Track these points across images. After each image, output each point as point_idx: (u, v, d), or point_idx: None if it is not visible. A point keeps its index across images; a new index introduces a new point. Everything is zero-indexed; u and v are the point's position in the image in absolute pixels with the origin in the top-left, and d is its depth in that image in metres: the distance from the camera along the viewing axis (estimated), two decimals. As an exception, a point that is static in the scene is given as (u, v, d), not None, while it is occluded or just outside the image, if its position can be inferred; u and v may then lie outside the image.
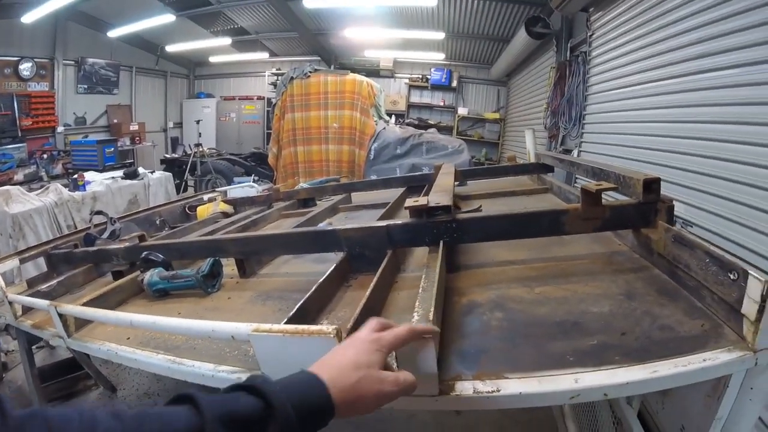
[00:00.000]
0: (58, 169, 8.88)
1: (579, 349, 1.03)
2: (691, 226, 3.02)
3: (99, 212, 3.48)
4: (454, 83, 12.65)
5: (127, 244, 2.58)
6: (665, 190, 1.48)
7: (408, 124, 10.92)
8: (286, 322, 1.14)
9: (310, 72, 7.72)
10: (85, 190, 5.86)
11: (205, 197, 4.30)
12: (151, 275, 2.01)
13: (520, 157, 4.16)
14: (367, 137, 7.43)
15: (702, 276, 1.15)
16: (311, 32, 11.38)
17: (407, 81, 13.10)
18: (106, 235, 3.05)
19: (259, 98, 13.94)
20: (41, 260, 2.79)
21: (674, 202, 1.47)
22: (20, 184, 6.61)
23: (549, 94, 6.94)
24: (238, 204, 3.88)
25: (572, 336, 1.09)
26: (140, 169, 7.05)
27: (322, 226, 2.42)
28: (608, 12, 5.12)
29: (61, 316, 1.72)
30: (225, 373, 1.20)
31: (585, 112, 5.77)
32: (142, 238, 2.66)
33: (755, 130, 2.69)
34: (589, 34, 5.68)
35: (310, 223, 2.58)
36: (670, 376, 0.92)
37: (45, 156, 9.30)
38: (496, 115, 12.25)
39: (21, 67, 9.59)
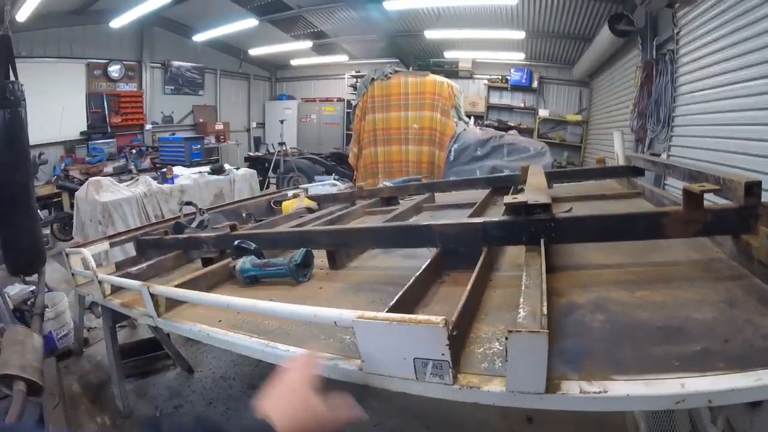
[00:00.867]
0: (146, 163, 9.41)
1: (683, 354, 1.01)
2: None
3: (189, 203, 3.65)
4: (535, 84, 12.36)
5: (218, 232, 2.73)
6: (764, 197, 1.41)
7: (487, 126, 10.79)
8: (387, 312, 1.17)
9: (391, 73, 7.81)
10: (173, 183, 6.19)
11: (290, 193, 4.45)
12: (244, 262, 2.11)
13: (608, 160, 4.05)
14: (447, 138, 7.43)
15: None
16: (390, 34, 11.47)
17: (486, 82, 12.92)
18: (194, 224, 3.21)
19: (339, 100, 14.24)
20: (128, 247, 2.97)
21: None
22: (110, 176, 7.06)
23: (635, 94, 6.66)
24: (321, 200, 3.99)
25: (675, 341, 1.07)
26: (226, 165, 7.35)
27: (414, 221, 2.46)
28: (695, 7, 4.86)
29: (152, 296, 1.85)
30: (321, 359, 1.22)
31: (674, 114, 5.51)
32: (233, 227, 2.78)
33: None
34: (675, 31, 5.42)
35: (396, 220, 2.60)
36: None
37: (134, 151, 9.96)
38: (578, 117, 11.86)
39: (110, 69, 10.36)
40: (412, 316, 1.04)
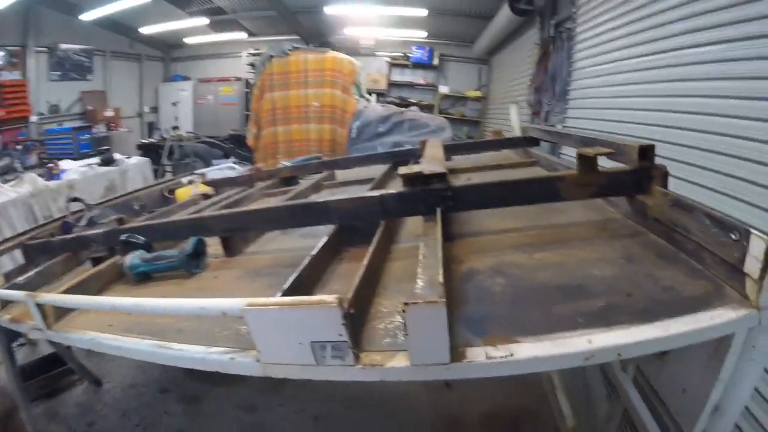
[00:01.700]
0: (34, 159, 8.64)
1: (587, 311, 1.02)
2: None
3: (75, 199, 3.37)
4: (436, 61, 12.54)
5: (105, 228, 2.51)
6: (655, 162, 1.48)
7: (389, 103, 10.81)
8: (281, 296, 1.10)
9: (290, 50, 7.58)
10: (60, 179, 5.79)
11: (185, 180, 4.21)
12: (132, 258, 1.94)
13: (505, 133, 4.14)
14: (348, 116, 7.34)
15: (702, 238, 1.15)
16: (290, 10, 11.11)
17: (388, 59, 12.94)
18: (83, 222, 2.96)
19: (236, 79, 13.66)
20: (19, 253, 2.70)
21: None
22: (-6, 177, 6.43)
23: (532, 71, 6.88)
24: (218, 185, 3.81)
25: (577, 299, 1.08)
26: (116, 155, 6.93)
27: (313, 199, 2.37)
28: (595, -12, 5.07)
29: (39, 306, 1.64)
30: (217, 355, 1.14)
31: (569, 89, 5.73)
32: (120, 221, 2.57)
33: (740, 104, 2.70)
34: (574, 10, 5.63)
35: (295, 200, 2.51)
36: (681, 333, 0.93)
37: (19, 147, 9.03)
38: (478, 93, 12.20)
39: None
40: (304, 298, 0.97)
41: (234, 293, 1.50)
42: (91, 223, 2.96)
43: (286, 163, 3.90)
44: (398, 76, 13.07)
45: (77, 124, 10.44)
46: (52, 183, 5.60)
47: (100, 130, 10.73)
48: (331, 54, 7.67)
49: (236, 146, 9.90)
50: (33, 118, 9.99)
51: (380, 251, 1.42)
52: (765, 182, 2.46)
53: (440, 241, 1.20)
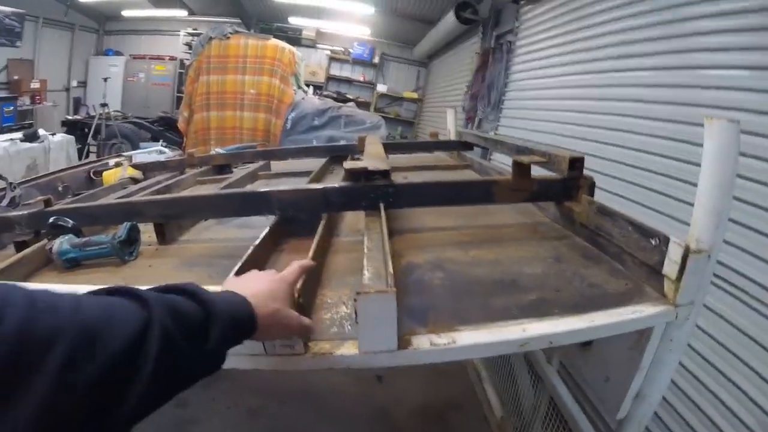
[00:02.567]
0: (-48, 132, 7.99)
1: (520, 304, 1.11)
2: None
3: (-4, 176, 3.17)
4: (376, 60, 12.60)
5: (30, 209, 2.37)
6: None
7: (326, 96, 10.76)
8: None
9: (231, 33, 7.37)
10: (-22, 154, 5.35)
11: (111, 162, 4.01)
12: (61, 243, 1.82)
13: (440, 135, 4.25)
14: (284, 106, 7.24)
15: (624, 242, 1.27)
16: (234, -10, 10.86)
17: (329, 53, 12.86)
18: (5, 202, 2.78)
19: (171, 59, 13.12)
20: None
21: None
22: None
23: (470, 78, 7.05)
24: (147, 169, 3.64)
25: (512, 292, 1.17)
26: (40, 131, 6.50)
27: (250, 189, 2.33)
28: (538, 6, 5.30)
29: None
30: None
31: (504, 98, 5.95)
32: (47, 202, 2.41)
33: (662, 126, 2.94)
34: (516, 24, 5.83)
35: (231, 188, 2.46)
36: (607, 324, 1.05)
37: (-65, 116, 8.31)
38: (414, 95, 12.36)
39: None
40: None
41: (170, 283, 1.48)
42: (13, 203, 2.77)
43: (220, 150, 3.83)
44: (337, 70, 13.02)
45: (1, 94, 9.73)
46: (-30, 158, 5.20)
47: (24, 102, 10.05)
48: (273, 42, 7.53)
49: (166, 129, 9.55)
50: (-47, 85, 9.16)
51: (323, 244, 1.44)
52: (679, 196, 2.68)
53: (386, 235, 1.24)
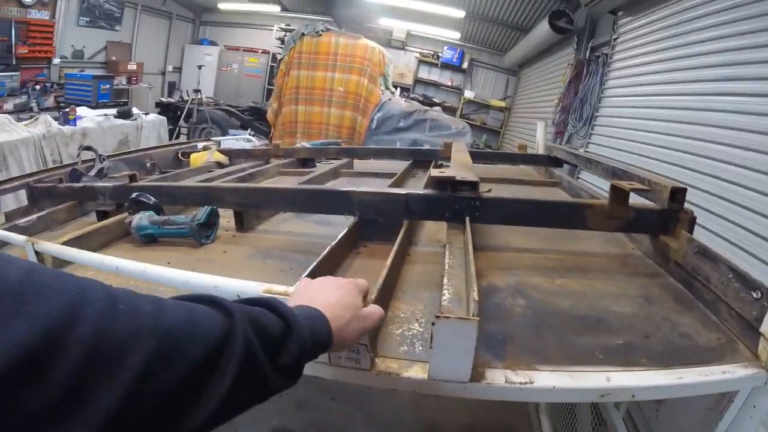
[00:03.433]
0: (50, 101, 8.60)
1: (606, 347, 1.01)
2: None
3: (88, 148, 3.29)
4: (465, 65, 12.48)
5: (116, 182, 2.46)
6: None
7: (413, 99, 10.76)
8: (298, 286, 1.06)
9: (323, 30, 7.53)
10: (75, 125, 5.73)
11: (200, 145, 4.15)
12: (141, 218, 1.87)
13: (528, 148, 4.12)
14: (371, 105, 7.30)
15: (722, 290, 1.14)
16: (328, -10, 11.08)
17: (418, 56, 12.88)
18: (93, 172, 2.90)
19: (264, 52, 13.60)
20: (23, 194, 2.65)
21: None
22: (9, 113, 6.39)
23: (562, 90, 6.85)
24: (233, 156, 3.75)
25: (597, 332, 1.07)
26: (134, 110, 6.86)
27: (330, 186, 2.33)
28: (637, 18, 5.06)
29: (38, 254, 1.60)
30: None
31: (597, 114, 5.72)
32: (132, 177, 2.52)
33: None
34: (614, 36, 5.61)
35: (312, 183, 2.47)
36: (693, 384, 0.93)
37: (38, 87, 8.98)
38: (502, 104, 12.14)
39: None
40: None
41: (244, 272, 1.45)
42: (101, 174, 2.90)
43: (305, 144, 3.87)
44: (425, 73, 13.02)
45: (99, 73, 10.37)
46: (67, 128, 5.55)
47: (120, 82, 10.68)
48: (363, 41, 7.62)
49: (255, 119, 9.88)
50: (56, 61, 9.89)
51: (401, 252, 1.38)
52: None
53: (471, 254, 1.16)
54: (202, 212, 1.82)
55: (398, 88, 10.68)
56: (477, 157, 3.34)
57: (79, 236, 1.75)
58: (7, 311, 0.40)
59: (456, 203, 1.48)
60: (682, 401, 1.17)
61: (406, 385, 0.90)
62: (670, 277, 1.40)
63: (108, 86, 9.04)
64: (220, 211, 1.93)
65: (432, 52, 12.74)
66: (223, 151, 3.78)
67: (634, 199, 1.52)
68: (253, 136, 7.49)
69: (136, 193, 2.04)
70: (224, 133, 8.26)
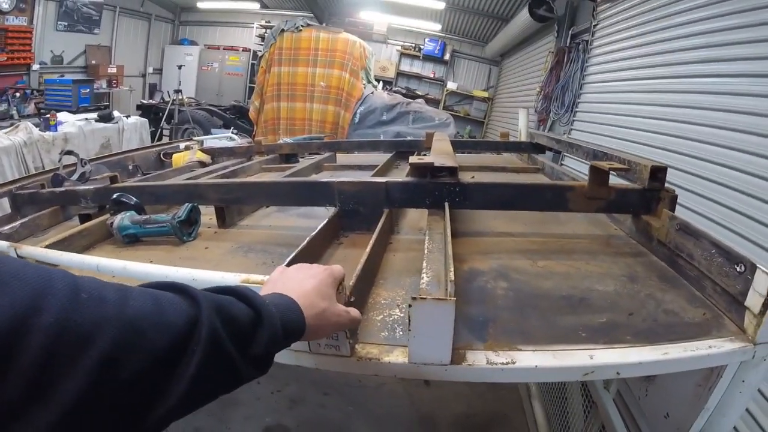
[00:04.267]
0: (31, 108, 8.47)
1: (589, 326, 1.01)
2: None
3: (69, 152, 3.28)
4: (447, 56, 12.45)
5: (97, 185, 2.44)
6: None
7: (396, 92, 10.74)
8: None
9: (303, 26, 7.49)
10: (56, 130, 5.71)
11: (182, 145, 4.13)
12: (122, 219, 1.86)
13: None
14: (353, 100, 7.28)
15: (705, 266, 1.14)
16: (306, -15, 11.00)
17: (399, 48, 12.84)
18: (75, 176, 2.89)
19: (245, 50, 13.48)
20: (6, 202, 2.64)
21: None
22: (-11, 122, 6.34)
23: (543, 78, 6.86)
24: (216, 154, 3.74)
25: (580, 312, 1.07)
26: (115, 113, 6.81)
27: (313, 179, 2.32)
28: (617, 4, 5.07)
29: (21, 258, 1.59)
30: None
31: (579, 100, 5.73)
32: (113, 179, 2.51)
33: (755, 140, 2.69)
34: (593, 23, 5.61)
35: (295, 177, 2.46)
36: (679, 359, 0.93)
37: (18, 94, 8.84)
38: (485, 94, 12.15)
39: None
40: None
41: (226, 267, 1.44)
42: (83, 178, 2.88)
43: (287, 140, 3.85)
44: (407, 66, 12.98)
45: (79, 77, 10.22)
46: (48, 134, 5.53)
47: (101, 85, 10.55)
48: (344, 35, 7.59)
49: (237, 117, 9.80)
50: (35, 67, 9.74)
51: (381, 240, 1.38)
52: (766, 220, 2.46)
53: (449, 237, 1.16)
54: (182, 210, 1.82)
55: (381, 82, 10.65)
56: (460, 146, 3.34)
57: (62, 239, 1.74)
58: None
59: (436, 189, 1.48)
60: (670, 379, 1.17)
61: (387, 371, 0.90)
62: (653, 255, 1.40)
63: (88, 90, 8.94)
64: (203, 208, 1.92)
65: (414, 45, 12.70)
66: (205, 150, 3.75)
67: (616, 181, 1.53)
68: (236, 134, 7.44)
69: (117, 194, 2.03)
70: (207, 133, 8.18)
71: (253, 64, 12.55)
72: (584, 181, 1.52)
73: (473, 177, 2.29)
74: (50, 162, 5.18)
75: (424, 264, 1.02)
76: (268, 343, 0.64)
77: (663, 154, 3.50)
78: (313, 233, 1.33)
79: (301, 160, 3.47)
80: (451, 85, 12.42)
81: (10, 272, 0.44)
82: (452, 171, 1.49)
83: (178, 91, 9.51)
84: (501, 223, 1.67)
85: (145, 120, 7.31)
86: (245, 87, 13.28)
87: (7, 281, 0.43)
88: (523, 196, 1.50)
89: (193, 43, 14.05)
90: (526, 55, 9.19)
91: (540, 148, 3.04)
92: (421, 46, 12.55)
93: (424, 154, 2.92)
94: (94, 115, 6.71)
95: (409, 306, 0.81)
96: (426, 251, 1.10)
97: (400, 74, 12.95)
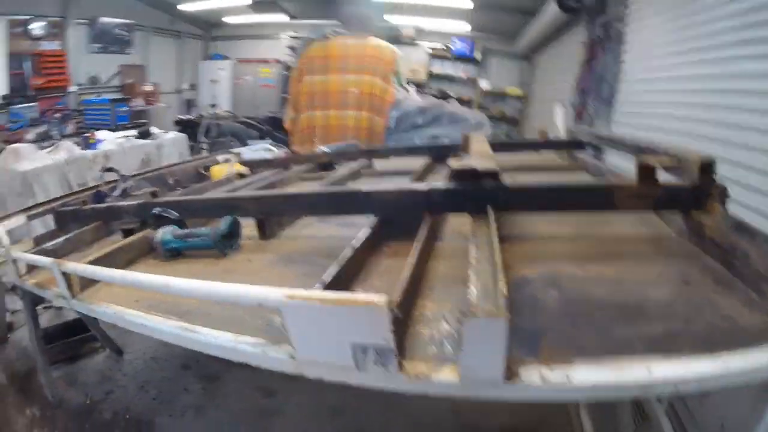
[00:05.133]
0: (71, 128, 8.77)
1: (646, 336, 0.94)
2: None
3: (110, 169, 3.40)
4: (478, 55, 12.32)
5: (138, 200, 2.50)
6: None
7: (428, 95, 10.66)
8: (323, 290, 1.03)
9: (330, 35, 7.53)
10: (96, 148, 5.86)
11: (220, 158, 4.20)
12: (164, 233, 1.91)
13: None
14: (387, 104, 7.25)
15: (763, 267, 1.07)
16: (333, -6, 11.05)
17: (429, 50, 12.74)
18: (117, 192, 2.98)
19: (276, 62, 13.63)
20: (50, 219, 2.72)
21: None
22: (32, 143, 6.53)
23: (578, 71, 6.68)
24: (254, 166, 3.80)
25: (636, 321, 1.00)
26: (153, 129, 6.97)
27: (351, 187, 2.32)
28: (651, -13, 4.86)
29: (64, 274, 1.64)
30: (247, 345, 1.08)
31: (617, 93, 5.51)
32: (154, 194, 2.58)
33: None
34: (625, 10, 5.41)
35: (333, 186, 2.47)
36: (743, 370, 0.85)
37: (57, 115, 9.16)
38: (519, 91, 11.95)
39: (31, 26, 9.09)
40: (350, 296, 0.90)
41: (267, 279, 1.45)
42: (125, 194, 2.97)
43: (324, 149, 3.87)
44: (438, 67, 12.87)
45: (115, 96, 10.53)
46: (88, 152, 5.67)
47: (138, 103, 10.84)
48: (372, 40, 7.58)
49: (273, 128, 9.91)
50: (72, 88, 10.06)
51: (425, 248, 1.35)
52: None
53: (497, 246, 1.12)
54: (223, 223, 1.85)
55: (413, 85, 10.61)
56: (498, 147, 3.27)
57: (105, 255, 1.80)
58: None
59: (479, 194, 1.45)
60: (728, 391, 1.11)
61: (438, 389, 0.87)
62: (706, 256, 1.32)
63: (125, 108, 9.22)
64: (243, 220, 1.94)
65: (443, 46, 12.60)
66: (244, 162, 3.82)
67: (663, 176, 1.46)
68: (273, 145, 7.54)
69: (159, 209, 2.07)
70: (244, 145, 8.31)
71: (285, 75, 12.68)
72: (631, 179, 1.45)
73: (514, 179, 2.26)
74: (92, 179, 5.24)
75: (472, 275, 0.98)
76: None
77: (719, 148, 3.34)
78: (355, 244, 1.32)
79: (338, 167, 3.48)
80: (484, 85, 12.24)
81: None
82: (494, 174, 1.46)
83: (213, 105, 9.70)
84: (544, 225, 1.62)
85: (184, 135, 7.47)
86: (279, 97, 13.38)
87: None
88: (569, 197, 1.45)
89: (225, 57, 14.30)
90: (558, 49, 8.97)
91: (580, 145, 2.96)
92: (451, 47, 12.44)
93: (463, 157, 2.90)
94: (134, 132, 6.89)
95: (460, 323, 0.79)
96: (473, 261, 1.07)
97: (431, 76, 12.86)
